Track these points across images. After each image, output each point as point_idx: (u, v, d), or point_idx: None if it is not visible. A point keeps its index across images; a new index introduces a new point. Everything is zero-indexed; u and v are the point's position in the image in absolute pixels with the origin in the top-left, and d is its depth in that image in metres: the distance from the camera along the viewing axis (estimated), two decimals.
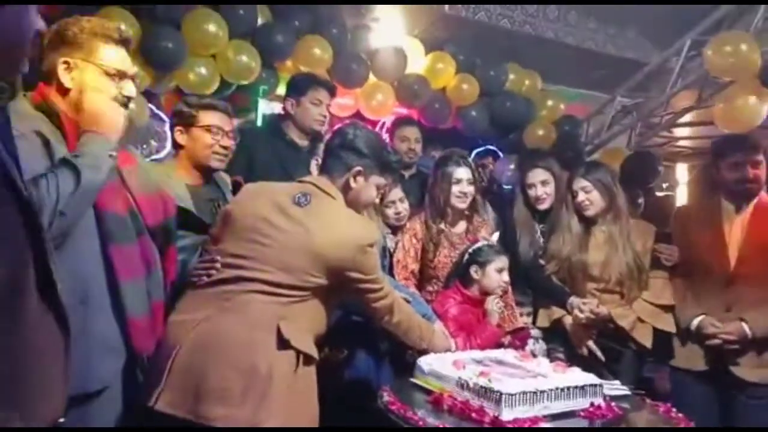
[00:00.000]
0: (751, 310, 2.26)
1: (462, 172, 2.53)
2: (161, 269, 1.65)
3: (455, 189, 2.52)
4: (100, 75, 1.50)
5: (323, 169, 1.81)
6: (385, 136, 3.87)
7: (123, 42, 1.55)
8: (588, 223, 2.49)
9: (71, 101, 1.48)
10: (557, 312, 2.48)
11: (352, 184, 1.75)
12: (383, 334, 2.07)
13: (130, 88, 1.56)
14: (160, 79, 3.26)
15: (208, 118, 2.04)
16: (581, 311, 2.38)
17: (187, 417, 1.46)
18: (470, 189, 2.54)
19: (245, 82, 3.46)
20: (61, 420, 0.94)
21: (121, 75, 1.53)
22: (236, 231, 1.67)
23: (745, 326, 2.23)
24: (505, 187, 3.82)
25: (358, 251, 1.63)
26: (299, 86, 2.71)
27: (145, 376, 1.54)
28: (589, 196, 2.46)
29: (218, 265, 1.63)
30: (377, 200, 2.29)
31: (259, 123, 3.63)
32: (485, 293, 2.33)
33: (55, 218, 1.31)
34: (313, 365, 1.62)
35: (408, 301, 1.98)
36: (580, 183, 2.48)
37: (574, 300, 2.42)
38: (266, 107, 3.67)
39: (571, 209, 2.51)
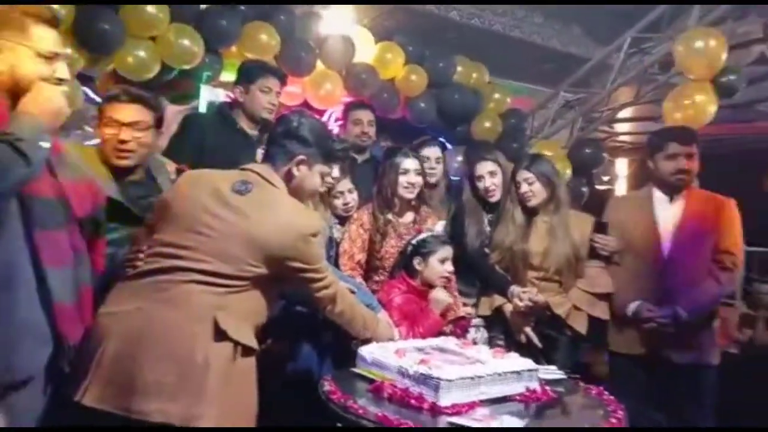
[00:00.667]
0: (683, 295, 2.37)
1: (409, 163, 2.56)
2: (89, 258, 1.59)
3: (402, 180, 2.54)
4: (33, 56, 1.44)
5: (266, 158, 1.78)
6: (337, 125, 3.85)
7: (54, 22, 1.49)
8: (531, 213, 2.56)
9: (1, 83, 1.42)
10: (498, 300, 2.54)
11: (295, 172, 1.73)
12: (326, 327, 2.07)
13: (63, 70, 1.50)
14: (96, 61, 3.12)
15: (109, 110, 1.94)
16: (521, 299, 2.44)
17: (118, 412, 1.41)
18: (417, 179, 2.57)
19: (187, 67, 3.35)
20: None
21: (54, 56, 1.48)
22: (174, 220, 1.63)
23: (679, 310, 2.35)
24: (453, 178, 3.86)
25: (299, 240, 1.62)
26: (249, 74, 2.65)
27: (71, 369, 1.48)
28: (532, 187, 2.52)
29: (142, 256, 1.59)
30: (323, 189, 2.28)
31: (202, 110, 3.53)
32: (428, 284, 2.36)
33: None
34: (253, 357, 1.59)
35: (353, 292, 1.98)
36: (524, 175, 2.53)
37: (514, 288, 2.48)
38: (210, 94, 3.57)
39: (514, 200, 2.56)
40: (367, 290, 2.29)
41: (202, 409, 1.41)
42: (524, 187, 2.52)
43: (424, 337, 2.15)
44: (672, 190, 2.50)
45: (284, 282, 1.70)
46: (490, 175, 2.67)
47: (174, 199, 1.68)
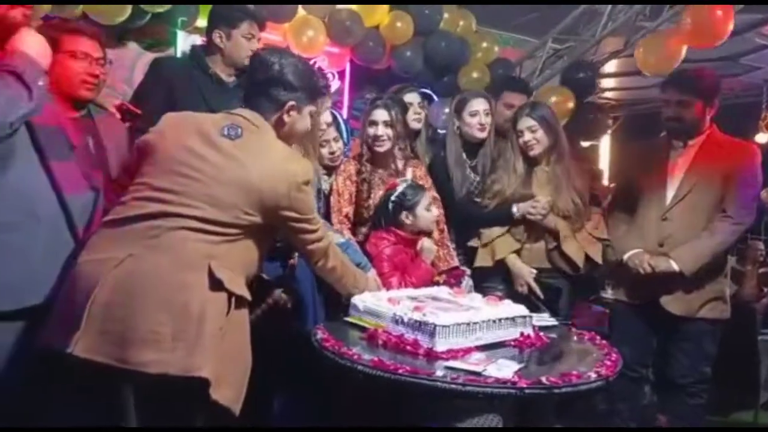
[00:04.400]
0: (679, 246, 2.33)
1: (378, 114, 2.45)
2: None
3: (370, 131, 2.46)
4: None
5: (249, 104, 1.66)
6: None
7: None
8: (531, 163, 2.51)
9: None
10: (499, 252, 2.49)
11: (286, 119, 1.66)
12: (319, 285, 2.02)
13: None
14: (64, 5, 2.95)
15: (73, 43, 1.83)
16: (533, 210, 2.40)
17: (111, 362, 1.37)
18: (386, 131, 2.45)
19: (161, 10, 3.18)
20: None
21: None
22: (159, 163, 1.55)
23: (672, 262, 2.31)
24: (440, 131, 3.79)
25: (293, 188, 1.56)
26: (230, 18, 2.48)
27: (57, 319, 1.44)
28: (536, 135, 2.46)
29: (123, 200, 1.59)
30: (321, 138, 2.21)
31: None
32: (420, 233, 2.32)
33: (6, 131, 1.39)
34: (245, 309, 1.55)
35: (343, 249, 1.94)
36: (527, 122, 2.46)
37: (520, 205, 2.44)
38: (186, 41, 3.40)
39: (516, 150, 2.50)
40: (357, 248, 2.22)
41: (200, 360, 1.37)
42: (527, 135, 2.45)
43: (416, 286, 2.13)
44: (685, 136, 2.42)
45: (278, 233, 1.65)
46: (484, 112, 2.63)
47: (157, 141, 1.59)
